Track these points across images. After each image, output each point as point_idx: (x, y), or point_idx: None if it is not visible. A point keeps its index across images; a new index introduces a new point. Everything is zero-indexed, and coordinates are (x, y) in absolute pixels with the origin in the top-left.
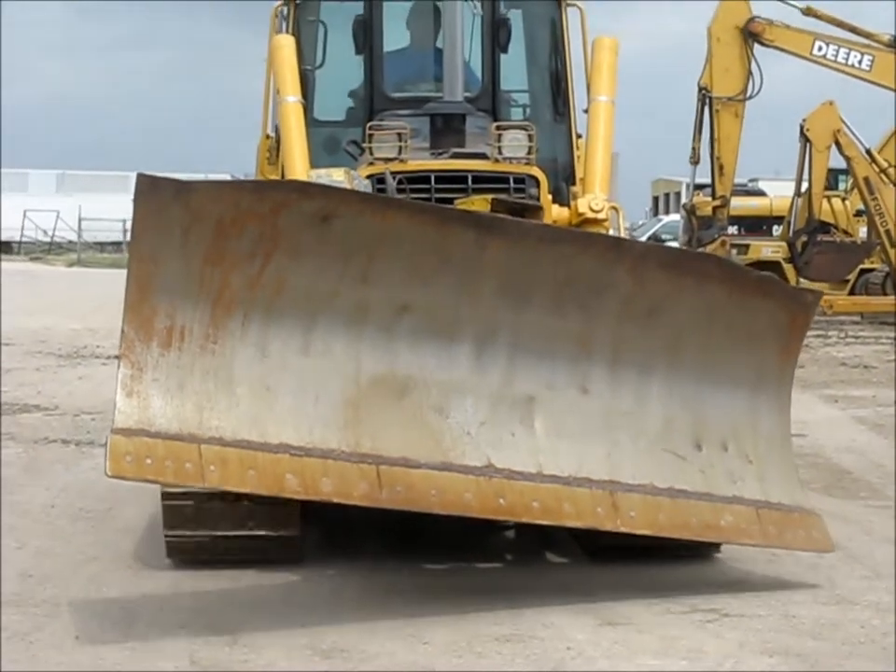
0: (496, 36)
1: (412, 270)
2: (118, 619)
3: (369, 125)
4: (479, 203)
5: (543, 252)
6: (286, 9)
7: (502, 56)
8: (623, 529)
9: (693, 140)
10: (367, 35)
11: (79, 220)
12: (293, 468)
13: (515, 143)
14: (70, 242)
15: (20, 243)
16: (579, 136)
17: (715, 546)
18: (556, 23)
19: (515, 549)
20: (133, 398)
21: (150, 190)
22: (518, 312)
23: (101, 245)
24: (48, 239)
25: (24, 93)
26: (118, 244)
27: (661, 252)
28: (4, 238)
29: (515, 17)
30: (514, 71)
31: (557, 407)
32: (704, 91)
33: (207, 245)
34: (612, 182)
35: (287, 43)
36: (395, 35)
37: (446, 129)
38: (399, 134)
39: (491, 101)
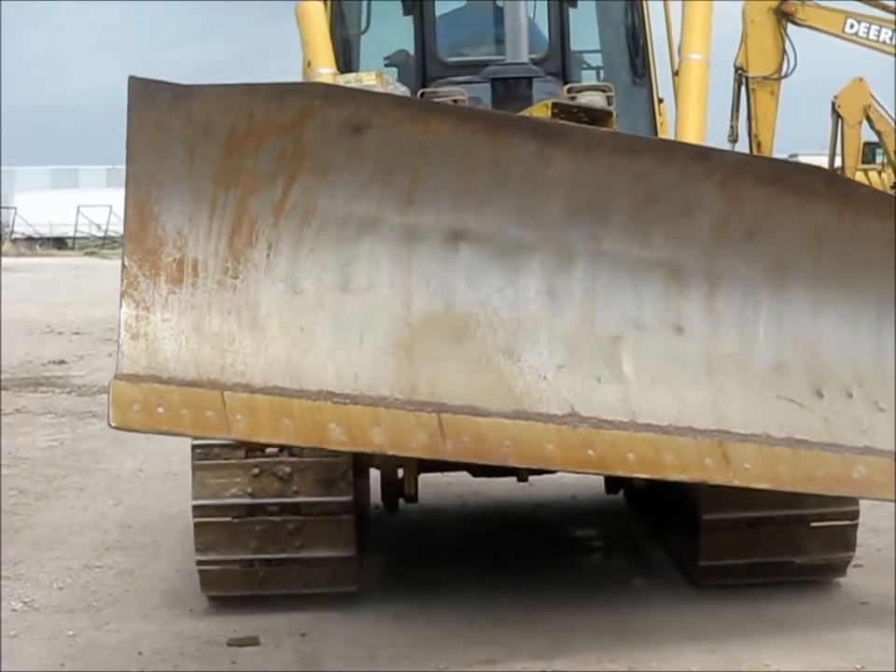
0: None
1: (464, 189)
2: None
3: (421, 93)
4: (538, 111)
5: (618, 165)
6: None
7: (571, 11)
8: (736, 483)
9: (731, 119)
10: None
11: None
12: (337, 416)
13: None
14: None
15: (73, 238)
16: (660, 101)
17: (840, 569)
18: None
19: (602, 571)
20: (139, 340)
21: (143, 96)
22: (593, 238)
23: None
24: (101, 234)
25: (73, 90)
26: None
27: (757, 164)
28: (58, 234)
29: None
30: (585, 28)
31: (648, 348)
32: (740, 71)
33: (218, 165)
34: None
35: (314, 9)
36: None
37: (510, 95)
38: (455, 103)
39: (560, 62)
